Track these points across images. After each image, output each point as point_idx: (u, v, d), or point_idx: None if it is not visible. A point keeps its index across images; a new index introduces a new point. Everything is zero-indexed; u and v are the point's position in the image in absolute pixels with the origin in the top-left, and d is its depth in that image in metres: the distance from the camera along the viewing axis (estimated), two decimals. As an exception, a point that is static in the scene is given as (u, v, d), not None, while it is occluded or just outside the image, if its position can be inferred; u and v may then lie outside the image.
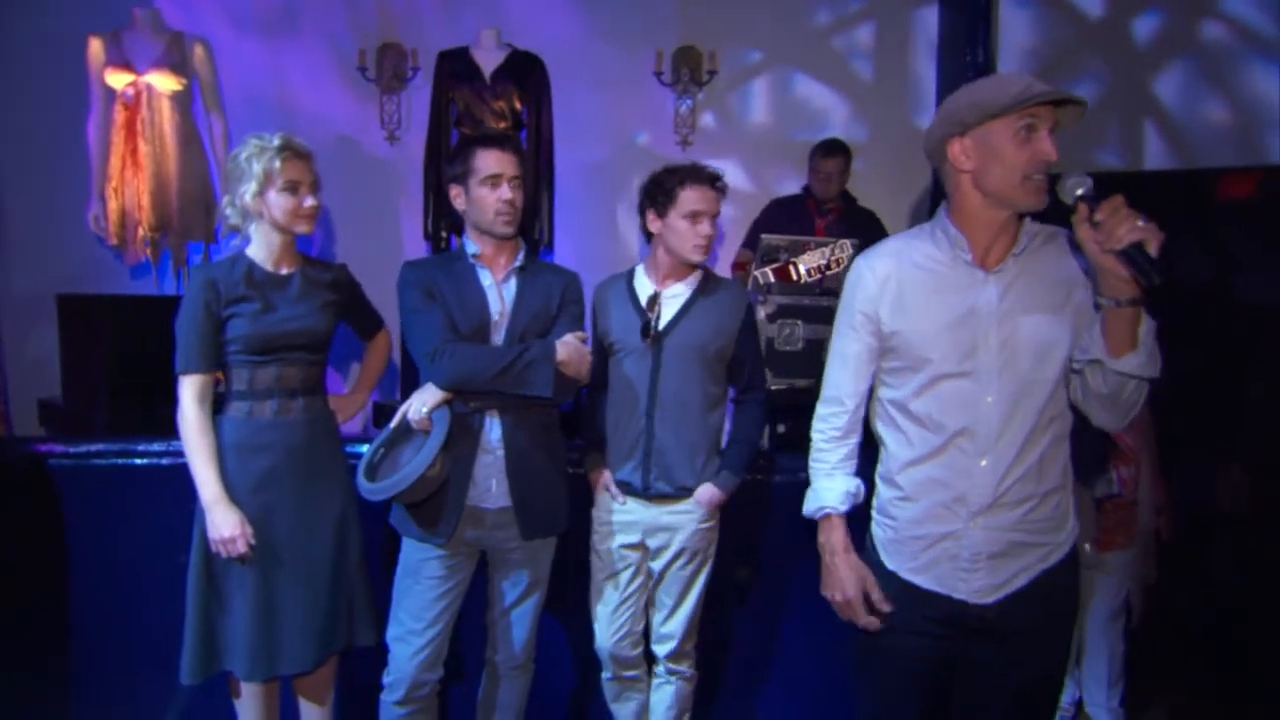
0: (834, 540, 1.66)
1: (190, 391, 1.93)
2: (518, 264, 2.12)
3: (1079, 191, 1.38)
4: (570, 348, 2.01)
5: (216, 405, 2.00)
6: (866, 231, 3.35)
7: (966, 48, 3.75)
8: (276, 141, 1.93)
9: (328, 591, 2.00)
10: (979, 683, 1.57)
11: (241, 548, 1.89)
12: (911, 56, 4.23)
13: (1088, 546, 2.67)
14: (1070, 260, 1.52)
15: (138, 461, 2.48)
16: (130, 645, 2.50)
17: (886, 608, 1.59)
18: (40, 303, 3.28)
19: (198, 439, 1.91)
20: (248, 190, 1.92)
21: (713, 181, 2.13)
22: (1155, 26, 4.03)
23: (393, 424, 2.03)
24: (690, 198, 2.09)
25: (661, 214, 2.13)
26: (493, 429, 2.05)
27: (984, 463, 1.50)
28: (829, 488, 1.70)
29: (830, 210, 3.53)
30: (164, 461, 2.48)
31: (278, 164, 1.91)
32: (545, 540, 2.15)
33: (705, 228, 2.10)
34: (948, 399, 1.53)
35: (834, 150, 3.49)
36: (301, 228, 1.98)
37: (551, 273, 2.18)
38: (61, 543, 2.47)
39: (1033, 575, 1.51)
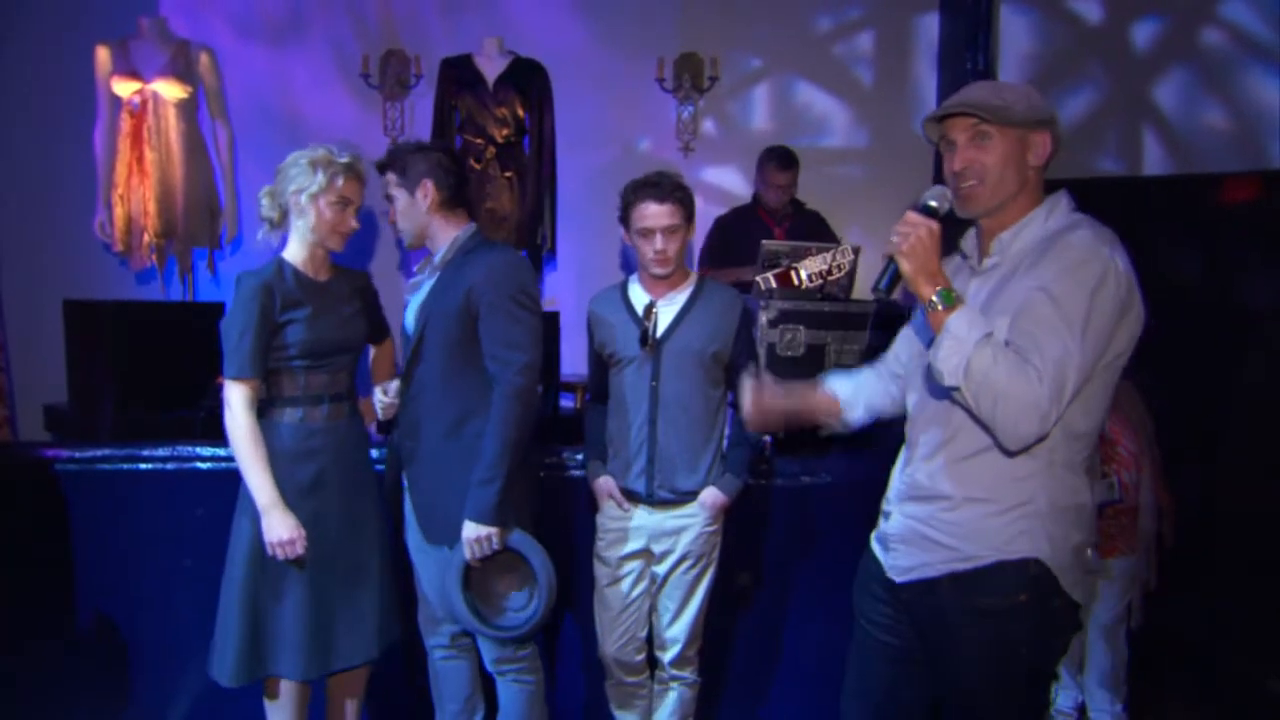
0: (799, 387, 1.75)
1: (242, 397, 1.93)
2: (435, 260, 2.05)
3: (926, 201, 1.45)
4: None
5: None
6: (818, 234, 3.38)
7: (967, 54, 3.77)
8: (346, 159, 1.99)
9: (376, 588, 2.07)
10: (921, 673, 1.57)
11: (299, 549, 1.94)
12: (912, 63, 4.24)
13: (1089, 552, 2.67)
14: (1035, 271, 1.43)
15: (143, 467, 2.49)
16: (135, 649, 2.51)
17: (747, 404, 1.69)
18: (46, 308, 3.29)
19: (251, 445, 1.93)
20: (303, 191, 1.96)
21: (662, 195, 2.08)
22: (1154, 32, 4.04)
23: (456, 572, 1.99)
24: (639, 215, 2.10)
25: (627, 230, 2.16)
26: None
27: (905, 454, 1.60)
28: (838, 378, 1.78)
29: (785, 217, 3.54)
30: (169, 467, 2.49)
31: (340, 181, 1.98)
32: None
33: (658, 243, 2.09)
34: (911, 392, 1.64)
35: (789, 163, 3.49)
36: (334, 243, 2.03)
37: (473, 267, 1.98)
38: (67, 547, 2.48)
39: (939, 572, 1.49)
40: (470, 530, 1.94)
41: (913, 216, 1.43)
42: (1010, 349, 1.37)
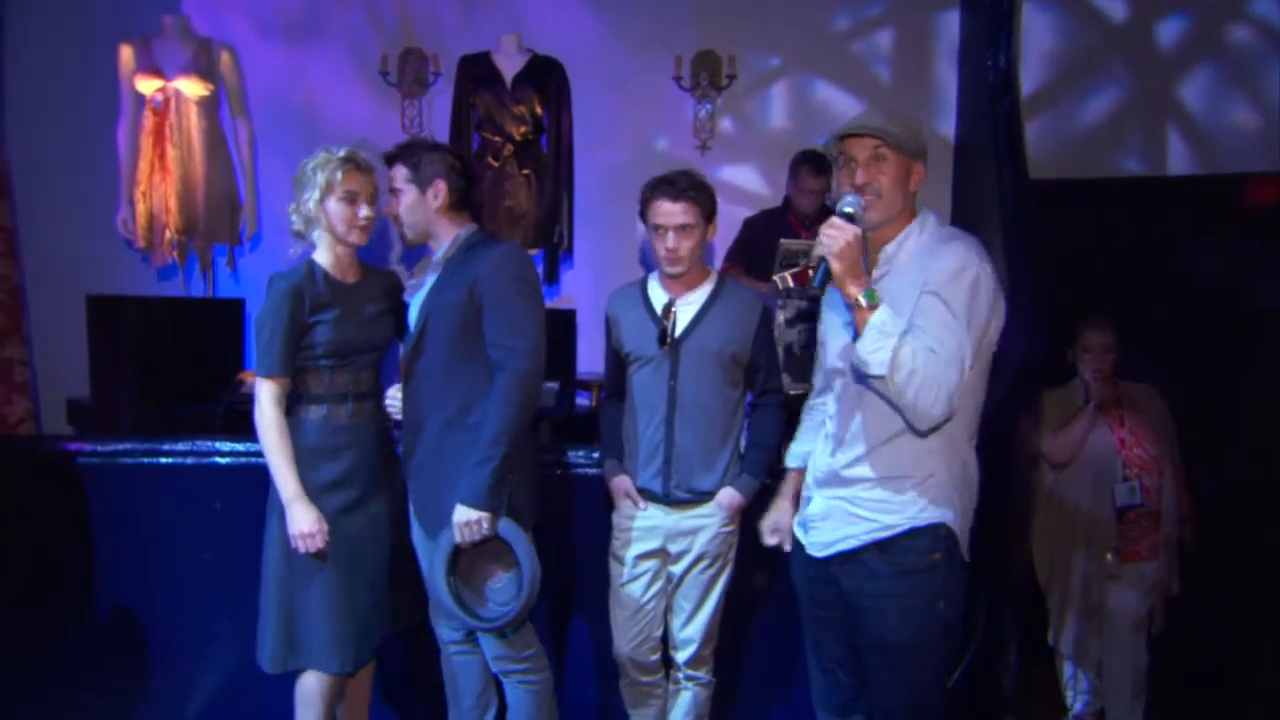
0: (780, 488, 2.05)
1: (270, 394, 1.99)
2: (437, 257, 2.09)
3: (844, 209, 1.64)
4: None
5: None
6: None
7: (988, 52, 3.72)
8: (341, 154, 2.02)
9: (391, 578, 2.11)
10: (854, 637, 1.76)
11: (320, 543, 1.97)
12: (933, 61, 4.20)
13: (1109, 557, 2.64)
14: (919, 270, 1.65)
15: (163, 460, 2.52)
16: (153, 641, 2.54)
17: (773, 541, 2.02)
18: (70, 303, 3.34)
19: (278, 439, 1.98)
20: (310, 198, 2.01)
21: (676, 194, 2.07)
22: (1180, 29, 3.97)
23: (443, 554, 2.00)
24: (654, 212, 2.10)
25: (647, 225, 2.16)
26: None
27: (825, 444, 1.80)
28: (791, 449, 2.05)
29: (815, 222, 3.50)
30: (188, 461, 2.52)
31: (339, 175, 2.00)
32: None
33: (669, 241, 2.09)
34: (831, 387, 1.84)
35: (822, 169, 3.44)
36: (354, 238, 2.05)
37: (476, 262, 2.01)
38: (88, 539, 2.51)
39: (861, 542, 1.69)
40: (461, 514, 1.94)
41: (838, 221, 1.61)
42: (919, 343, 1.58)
